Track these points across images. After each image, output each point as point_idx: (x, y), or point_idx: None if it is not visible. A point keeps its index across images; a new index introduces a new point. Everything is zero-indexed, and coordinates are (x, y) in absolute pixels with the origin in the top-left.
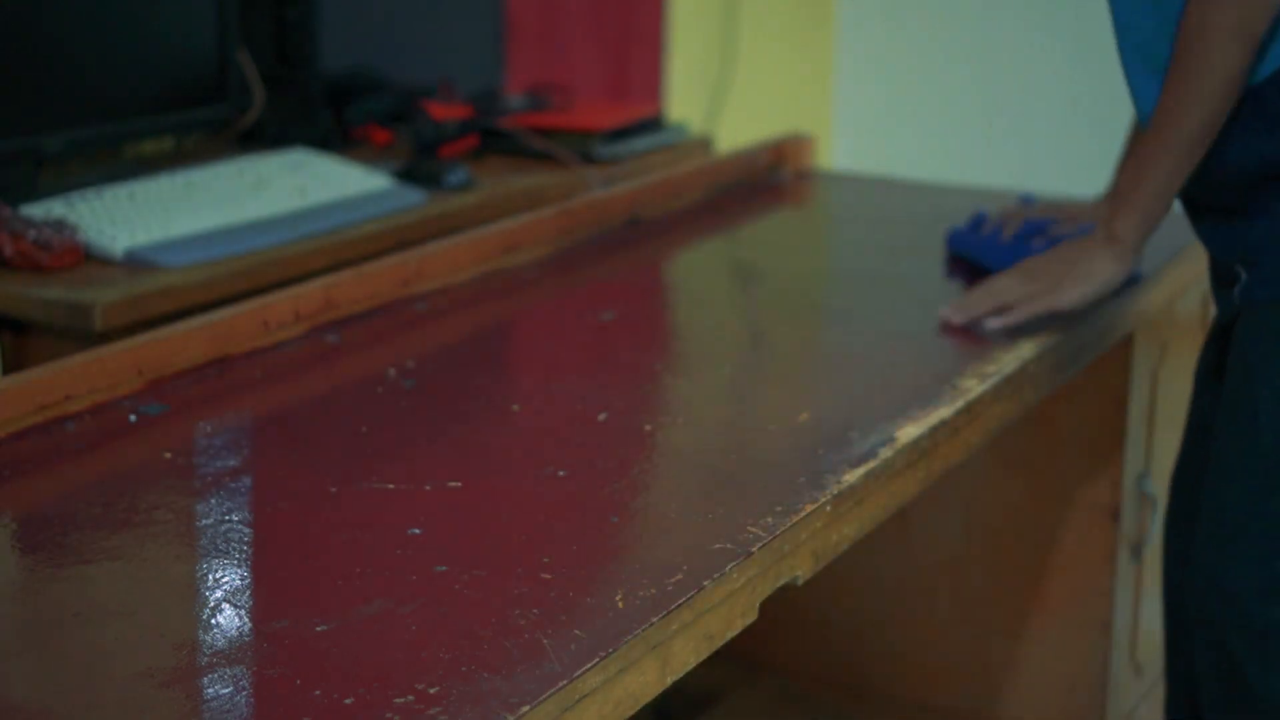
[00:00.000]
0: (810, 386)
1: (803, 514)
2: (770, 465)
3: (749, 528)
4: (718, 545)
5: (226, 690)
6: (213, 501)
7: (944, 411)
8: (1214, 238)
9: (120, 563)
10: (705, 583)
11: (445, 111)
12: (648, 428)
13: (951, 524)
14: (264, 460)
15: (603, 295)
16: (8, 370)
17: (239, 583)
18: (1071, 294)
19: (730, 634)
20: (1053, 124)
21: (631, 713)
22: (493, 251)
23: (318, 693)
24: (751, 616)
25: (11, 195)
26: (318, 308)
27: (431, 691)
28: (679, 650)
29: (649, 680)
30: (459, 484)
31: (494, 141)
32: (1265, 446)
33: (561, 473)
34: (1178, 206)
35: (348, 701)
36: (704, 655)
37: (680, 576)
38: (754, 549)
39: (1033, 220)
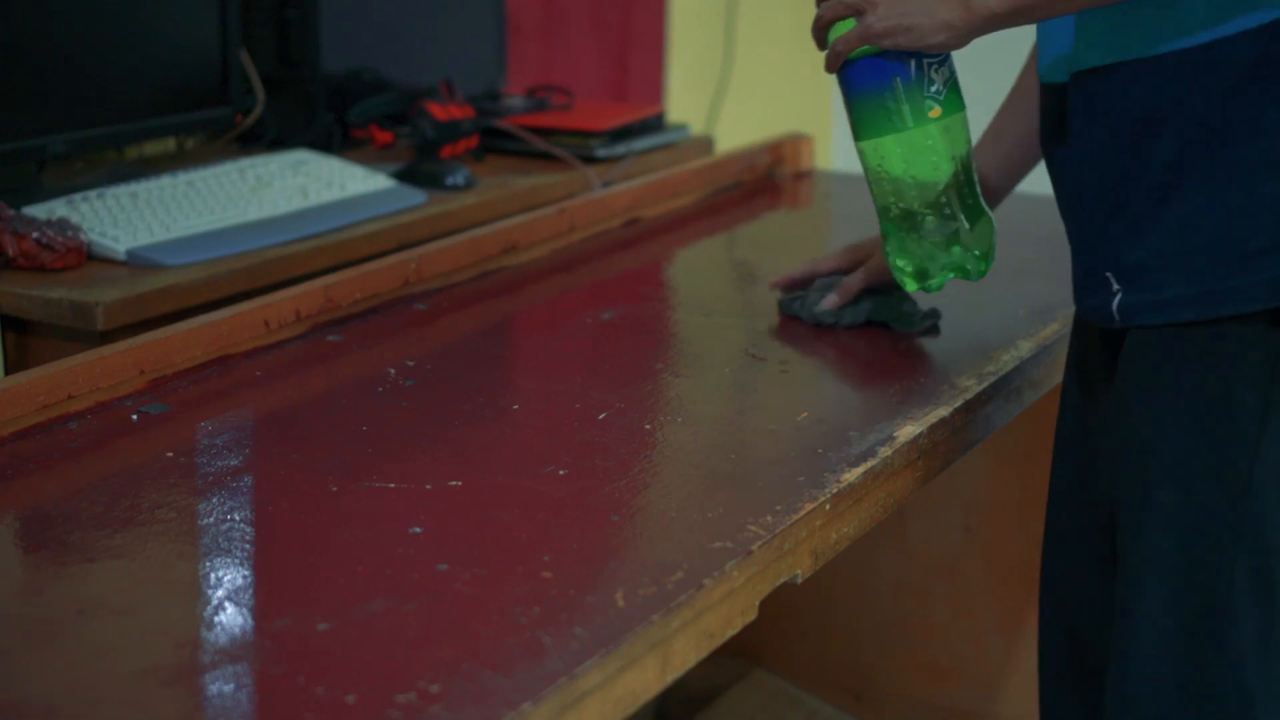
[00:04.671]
0: (810, 386)
1: (802, 513)
2: (770, 464)
3: (749, 526)
4: (717, 544)
5: (229, 688)
6: (214, 500)
7: (943, 410)
8: (1080, 236)
9: (123, 561)
10: (705, 581)
11: (446, 112)
12: (648, 427)
13: (950, 523)
14: (265, 459)
15: (603, 295)
16: (10, 369)
17: (241, 581)
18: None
19: (730, 632)
20: None
21: (631, 711)
22: (493, 251)
23: (320, 690)
24: (751, 615)
25: (15, 196)
26: (318, 307)
27: (433, 689)
28: (679, 648)
29: (649, 678)
30: (459, 483)
31: (494, 141)
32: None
33: (562, 472)
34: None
35: (349, 699)
36: (704, 653)
37: (680, 575)
38: (754, 547)
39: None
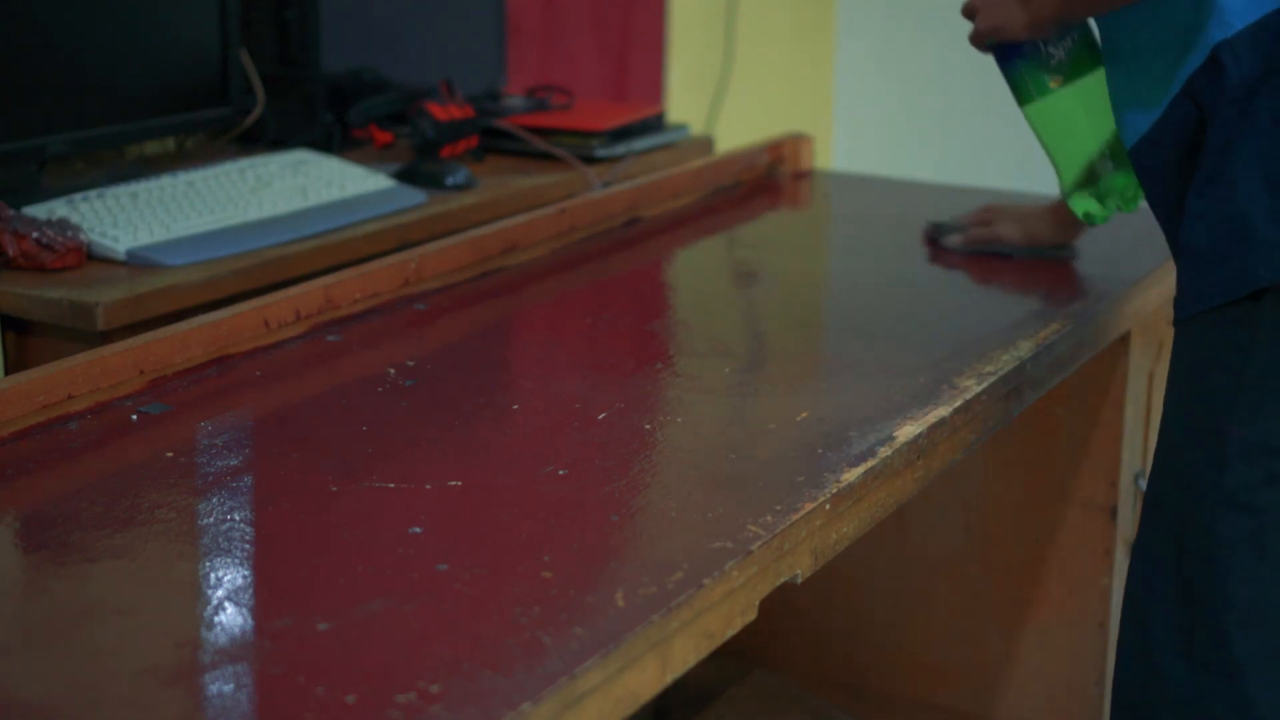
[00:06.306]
0: (809, 386)
1: (802, 512)
2: (770, 464)
3: (748, 526)
4: (717, 544)
5: (229, 688)
6: (214, 500)
7: (942, 411)
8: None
9: (123, 561)
10: (705, 581)
11: (446, 112)
12: (648, 427)
13: (949, 523)
14: (265, 459)
15: (603, 295)
16: (10, 369)
17: (241, 581)
18: (1009, 233)
19: (730, 632)
20: None
21: (631, 711)
22: (493, 251)
23: (319, 690)
24: (751, 615)
25: (15, 196)
26: (318, 307)
27: (433, 689)
28: (679, 648)
29: (649, 678)
30: (459, 483)
31: (494, 141)
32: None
33: (562, 472)
34: None
35: (349, 699)
36: (704, 653)
37: (680, 575)
38: (753, 547)
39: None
